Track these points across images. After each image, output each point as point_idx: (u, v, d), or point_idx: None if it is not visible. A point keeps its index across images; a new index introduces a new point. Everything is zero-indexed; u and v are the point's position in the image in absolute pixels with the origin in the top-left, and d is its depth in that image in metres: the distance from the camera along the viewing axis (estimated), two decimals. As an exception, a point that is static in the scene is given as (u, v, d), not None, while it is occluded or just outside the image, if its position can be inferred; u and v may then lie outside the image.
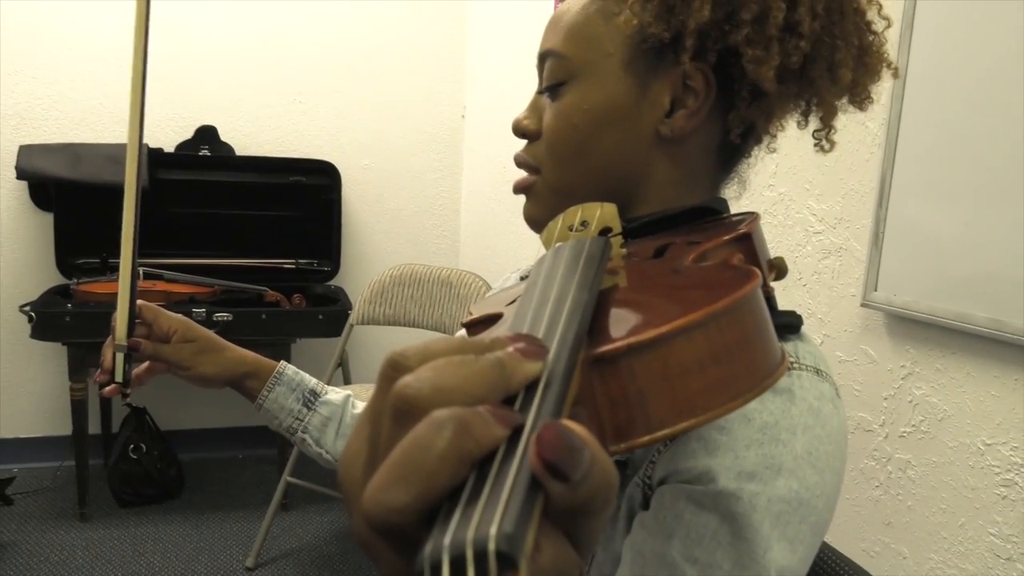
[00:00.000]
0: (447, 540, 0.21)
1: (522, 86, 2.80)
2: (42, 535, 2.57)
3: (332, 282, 3.11)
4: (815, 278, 1.50)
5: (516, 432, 0.24)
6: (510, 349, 0.27)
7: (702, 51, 0.59)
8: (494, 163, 3.10)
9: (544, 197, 0.67)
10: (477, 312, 0.52)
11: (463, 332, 0.83)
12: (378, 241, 3.35)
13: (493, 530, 0.20)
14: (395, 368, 0.26)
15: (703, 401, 0.32)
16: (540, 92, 0.68)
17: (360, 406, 0.94)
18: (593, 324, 0.33)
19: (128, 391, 0.87)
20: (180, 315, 0.89)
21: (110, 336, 0.86)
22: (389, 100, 3.26)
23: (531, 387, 0.26)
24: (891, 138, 1.31)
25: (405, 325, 2.73)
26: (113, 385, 0.86)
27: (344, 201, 3.15)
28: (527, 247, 2.81)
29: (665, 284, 0.43)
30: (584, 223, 0.47)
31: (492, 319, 0.49)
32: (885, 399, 1.37)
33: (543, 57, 0.66)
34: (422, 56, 3.28)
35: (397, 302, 2.72)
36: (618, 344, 0.31)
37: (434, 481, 0.23)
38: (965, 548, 1.23)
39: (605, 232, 0.46)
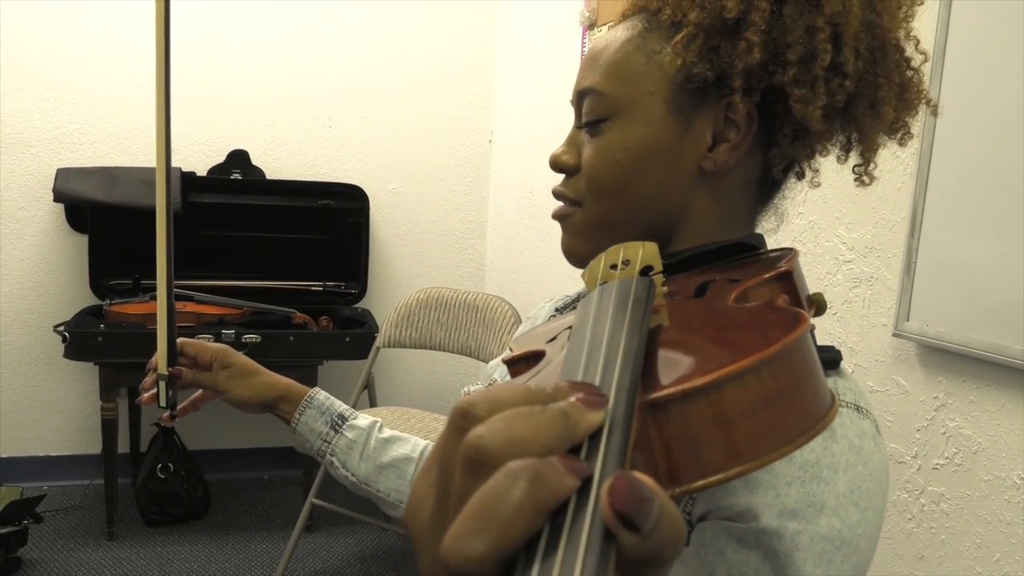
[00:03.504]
0: None
1: (549, 112, 2.82)
2: (71, 553, 2.60)
3: (359, 305, 3.14)
4: (845, 307, 1.49)
5: (585, 482, 0.24)
6: (572, 399, 0.27)
7: (747, 90, 0.60)
8: (520, 188, 3.12)
9: (584, 231, 0.68)
10: (518, 349, 0.52)
11: (503, 368, 0.83)
12: (405, 264, 3.37)
13: None
14: (465, 418, 0.27)
15: (756, 446, 0.32)
16: (579, 127, 0.69)
17: (388, 432, 0.96)
18: (643, 368, 0.34)
19: (174, 413, 0.94)
20: (221, 344, 0.95)
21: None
22: (417, 125, 3.30)
23: (594, 436, 0.27)
24: (923, 167, 1.30)
25: (431, 348, 2.74)
26: (166, 413, 0.94)
27: (372, 224, 3.18)
28: (553, 272, 2.82)
29: (711, 325, 0.44)
30: (626, 262, 0.48)
31: (534, 356, 0.49)
32: (918, 431, 1.35)
33: (582, 94, 0.67)
34: (450, 82, 3.32)
35: (423, 325, 2.73)
36: (672, 390, 0.31)
37: (510, 531, 0.23)
38: (1001, 584, 1.21)
39: (646, 271, 0.47)
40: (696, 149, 0.63)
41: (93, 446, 2.94)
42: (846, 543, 0.50)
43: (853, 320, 1.47)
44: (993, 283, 1.19)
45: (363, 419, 0.95)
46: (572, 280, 2.32)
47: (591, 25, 2.48)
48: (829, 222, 1.53)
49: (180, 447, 2.90)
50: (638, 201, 0.64)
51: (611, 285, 0.42)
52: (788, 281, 0.53)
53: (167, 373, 0.90)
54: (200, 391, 0.96)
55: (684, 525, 0.24)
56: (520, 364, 0.50)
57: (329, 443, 0.92)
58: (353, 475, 0.92)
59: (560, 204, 0.70)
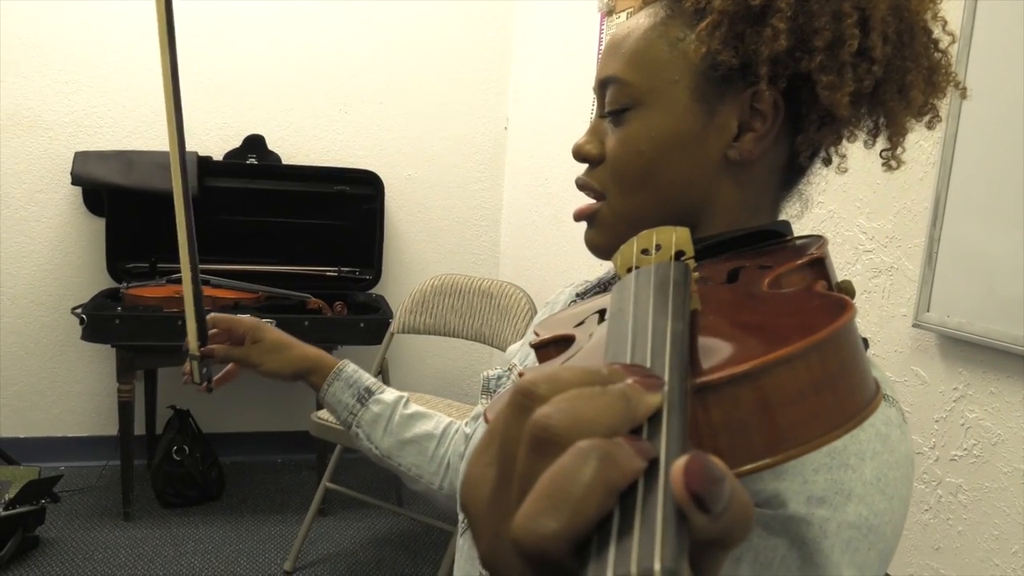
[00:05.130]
0: (609, 574, 0.21)
1: (565, 99, 2.81)
2: (87, 533, 2.63)
3: (373, 291, 3.15)
4: (865, 297, 1.48)
5: (650, 464, 0.24)
6: (629, 381, 0.27)
7: (773, 77, 0.59)
8: (535, 175, 3.11)
9: (609, 224, 0.67)
10: (545, 333, 0.52)
11: (525, 352, 0.83)
12: (419, 250, 3.37)
13: (657, 565, 0.21)
14: (528, 397, 0.27)
15: (804, 431, 0.32)
16: (602, 117, 0.68)
17: (412, 408, 0.97)
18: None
19: (211, 386, 0.99)
20: (253, 319, 0.98)
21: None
22: (433, 112, 3.29)
23: (652, 418, 0.27)
24: (946, 156, 1.29)
25: (445, 335, 2.75)
26: (202, 385, 0.99)
27: (387, 210, 3.18)
28: (567, 259, 2.82)
29: (749, 311, 0.43)
30: (658, 247, 0.48)
31: (563, 340, 0.49)
32: (936, 422, 1.35)
33: (604, 82, 0.66)
34: (466, 68, 3.31)
35: (437, 312, 2.73)
36: (721, 374, 0.31)
37: (583, 510, 0.23)
38: (1018, 576, 1.21)
39: (678, 256, 0.46)
40: (721, 138, 0.62)
41: (110, 427, 2.97)
42: (873, 531, 0.50)
43: (872, 310, 1.47)
44: (1015, 274, 1.18)
45: (389, 394, 0.98)
46: (586, 267, 2.31)
47: (610, 11, 2.46)
48: (849, 211, 1.52)
49: (195, 430, 2.92)
50: (663, 191, 0.64)
51: (647, 269, 0.42)
52: (821, 268, 0.52)
53: (198, 354, 0.95)
54: (230, 366, 0.99)
55: (753, 508, 0.24)
56: (549, 348, 0.49)
57: (355, 415, 0.96)
58: (376, 448, 0.96)
59: (582, 204, 0.69)
